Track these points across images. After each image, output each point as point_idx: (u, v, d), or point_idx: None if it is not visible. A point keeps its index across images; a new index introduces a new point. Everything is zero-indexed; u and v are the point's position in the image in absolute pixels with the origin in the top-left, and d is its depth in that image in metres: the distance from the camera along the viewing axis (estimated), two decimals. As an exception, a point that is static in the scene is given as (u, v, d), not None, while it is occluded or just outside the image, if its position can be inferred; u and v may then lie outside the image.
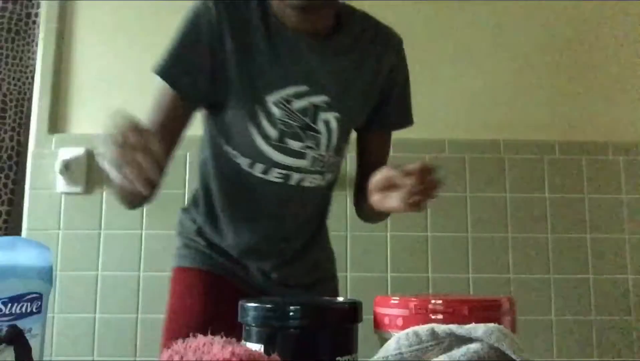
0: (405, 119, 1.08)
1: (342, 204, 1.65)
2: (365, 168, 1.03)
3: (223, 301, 1.00)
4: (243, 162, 0.98)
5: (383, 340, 0.55)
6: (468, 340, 0.47)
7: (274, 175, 0.98)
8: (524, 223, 1.62)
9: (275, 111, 0.94)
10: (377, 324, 0.59)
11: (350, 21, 0.98)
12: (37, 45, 1.67)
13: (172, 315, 1.05)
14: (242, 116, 0.95)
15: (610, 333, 1.59)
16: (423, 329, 0.49)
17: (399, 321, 0.56)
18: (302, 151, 0.97)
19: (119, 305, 1.55)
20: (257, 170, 0.98)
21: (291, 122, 0.94)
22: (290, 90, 0.93)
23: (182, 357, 0.40)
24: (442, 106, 1.68)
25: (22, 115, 1.65)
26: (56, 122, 1.64)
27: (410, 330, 0.50)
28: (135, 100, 1.66)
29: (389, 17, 1.78)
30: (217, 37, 0.92)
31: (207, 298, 1.03)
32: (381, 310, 0.58)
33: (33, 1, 1.69)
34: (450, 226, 1.62)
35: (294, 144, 0.96)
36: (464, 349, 0.47)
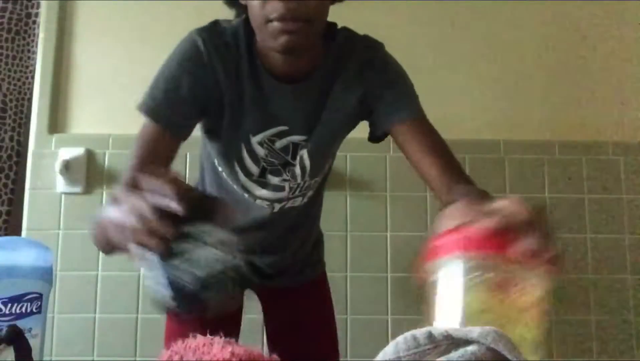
0: (409, 111, 0.99)
1: (342, 204, 1.65)
2: (426, 174, 0.95)
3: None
4: (234, 186, 1.04)
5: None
6: (465, 342, 0.48)
7: (258, 202, 1.05)
8: (524, 223, 1.62)
9: (260, 150, 0.98)
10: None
11: (329, 54, 0.96)
12: (37, 45, 1.67)
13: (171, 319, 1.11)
14: (228, 150, 0.99)
15: (610, 333, 1.59)
16: (421, 332, 0.49)
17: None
18: (281, 184, 1.03)
19: (119, 305, 1.55)
20: (245, 196, 1.05)
21: (273, 160, 0.99)
22: (274, 130, 0.97)
23: (181, 357, 0.40)
24: (442, 106, 1.68)
25: (22, 115, 1.65)
26: (56, 122, 1.64)
27: (408, 333, 0.50)
28: (135, 100, 1.66)
29: (388, 19, 1.78)
30: (209, 78, 0.92)
31: None
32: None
33: (33, 1, 1.69)
34: (450, 226, 1.62)
35: (274, 179, 1.02)
36: (461, 351, 0.47)
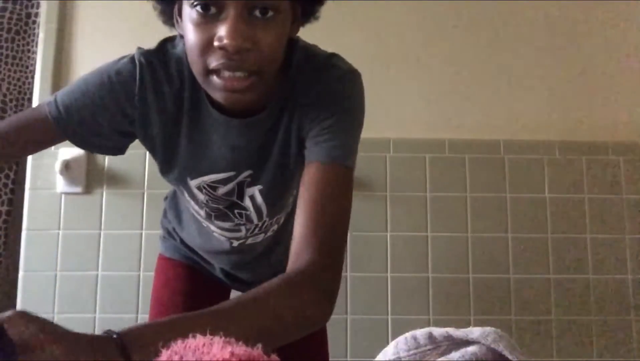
0: (315, 154, 0.78)
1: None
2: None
3: (198, 292, 1.09)
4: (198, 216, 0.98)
5: None
6: (465, 342, 0.47)
7: (218, 235, 0.98)
8: (525, 223, 1.62)
9: (199, 195, 0.87)
10: None
11: (283, 86, 0.80)
12: (37, 45, 1.67)
13: (155, 305, 1.10)
14: (175, 185, 0.90)
15: (610, 333, 1.59)
16: (421, 332, 0.49)
17: None
18: (234, 228, 0.93)
19: (119, 305, 1.55)
20: (204, 225, 0.98)
21: (217, 205, 0.88)
22: (216, 177, 0.84)
23: (181, 357, 0.40)
24: (442, 106, 1.69)
25: (22, 115, 1.65)
26: (56, 122, 1.64)
27: (408, 334, 0.50)
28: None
29: (385, 18, 1.79)
30: (138, 110, 0.80)
31: (185, 288, 1.08)
32: None
33: (33, 1, 1.69)
34: (450, 226, 1.62)
35: (224, 225, 0.93)
36: (461, 351, 0.47)
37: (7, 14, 1.65)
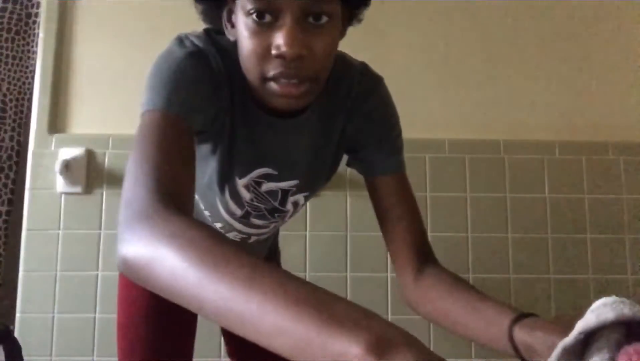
0: (391, 165, 0.88)
1: (342, 205, 1.65)
2: (393, 229, 0.88)
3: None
4: (204, 211, 0.93)
5: None
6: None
7: (233, 235, 0.95)
8: (524, 223, 1.62)
9: (245, 194, 0.85)
10: None
11: (330, 86, 0.81)
12: (37, 45, 1.67)
13: (126, 309, 1.06)
14: (212, 183, 0.85)
15: (610, 333, 1.59)
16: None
17: None
18: (266, 225, 0.93)
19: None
20: (217, 225, 0.94)
21: (259, 204, 0.88)
22: (261, 171, 0.83)
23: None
24: (442, 106, 1.69)
25: (22, 115, 1.65)
26: (56, 122, 1.64)
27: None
28: (135, 100, 1.66)
29: (384, 18, 1.79)
30: (221, 98, 0.76)
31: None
32: None
33: (33, 1, 1.69)
34: (450, 226, 1.62)
35: (258, 222, 0.92)
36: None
37: (7, 14, 1.65)
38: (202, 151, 0.81)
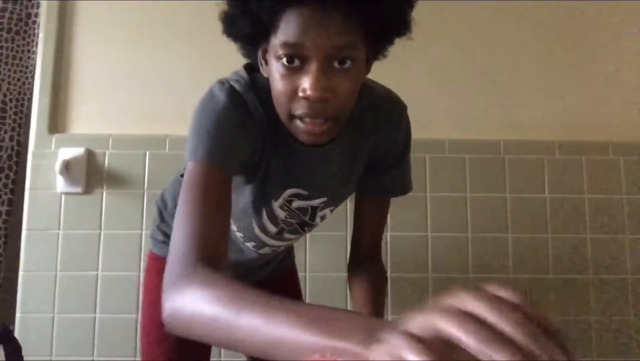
0: (399, 186, 1.04)
1: (342, 205, 1.65)
2: (360, 232, 1.07)
3: None
4: (237, 233, 1.02)
5: None
6: None
7: (264, 250, 1.05)
8: (524, 223, 1.62)
9: (280, 213, 0.95)
10: None
11: (352, 116, 0.87)
12: (37, 45, 1.67)
13: (149, 307, 1.13)
14: (247, 208, 0.94)
15: (610, 333, 1.59)
16: None
17: None
18: (297, 237, 1.05)
19: (119, 305, 1.55)
20: (250, 244, 1.03)
21: (291, 220, 0.97)
22: (292, 191, 0.93)
23: None
24: (442, 106, 1.69)
25: (22, 115, 1.65)
26: (56, 122, 1.64)
27: None
28: (135, 100, 1.66)
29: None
30: (259, 136, 0.85)
31: None
32: None
33: (33, 1, 1.69)
34: (450, 226, 1.62)
35: (290, 236, 1.02)
36: None
37: (7, 14, 1.65)
38: (238, 180, 0.89)
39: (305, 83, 0.73)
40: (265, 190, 0.91)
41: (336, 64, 0.74)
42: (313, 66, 0.73)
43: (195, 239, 0.69)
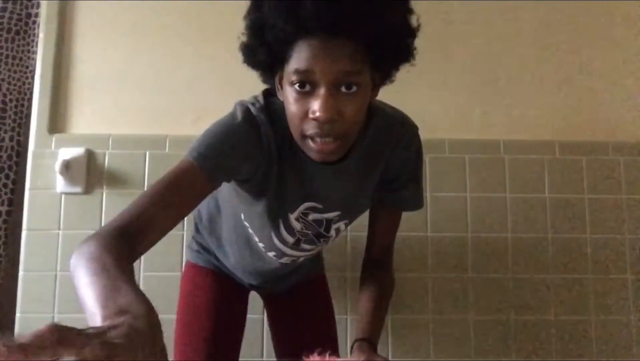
0: (414, 202, 1.11)
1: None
2: (372, 239, 1.15)
3: (224, 294, 1.23)
4: (259, 243, 1.09)
5: None
6: None
7: (284, 259, 1.12)
8: (524, 223, 1.62)
9: (296, 225, 1.02)
10: None
11: (366, 135, 0.98)
12: (37, 45, 1.67)
13: (186, 310, 1.22)
14: (265, 221, 1.02)
15: (610, 333, 1.59)
16: None
17: None
18: (314, 248, 1.10)
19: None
20: (271, 253, 1.10)
21: (307, 231, 1.04)
22: (308, 204, 1.01)
23: None
24: (442, 106, 1.69)
25: (22, 115, 1.65)
26: (56, 122, 1.64)
27: None
28: (135, 100, 1.66)
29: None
30: (267, 156, 0.93)
31: (214, 293, 1.22)
32: None
33: (33, 1, 1.69)
34: (450, 226, 1.62)
35: (307, 246, 1.08)
36: None
37: (7, 14, 1.65)
38: (255, 196, 0.98)
39: (315, 106, 0.81)
40: (281, 203, 0.99)
41: (343, 89, 0.82)
42: (322, 90, 0.81)
43: (129, 214, 0.78)
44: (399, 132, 1.02)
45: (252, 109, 0.92)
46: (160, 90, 1.66)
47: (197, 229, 1.29)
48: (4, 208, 1.57)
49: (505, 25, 1.73)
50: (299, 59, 0.81)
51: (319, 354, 0.86)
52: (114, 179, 1.60)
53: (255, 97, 0.95)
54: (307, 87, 0.82)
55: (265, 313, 1.33)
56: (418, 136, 1.06)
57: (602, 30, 1.74)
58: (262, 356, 1.52)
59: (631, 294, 1.61)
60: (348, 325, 1.54)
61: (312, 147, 0.85)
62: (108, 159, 1.61)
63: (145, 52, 1.68)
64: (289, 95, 0.85)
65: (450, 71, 1.70)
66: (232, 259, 1.20)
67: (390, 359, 1.54)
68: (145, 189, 0.78)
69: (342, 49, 0.80)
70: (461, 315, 1.58)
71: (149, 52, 1.68)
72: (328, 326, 1.29)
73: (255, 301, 1.38)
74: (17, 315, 1.53)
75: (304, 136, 0.85)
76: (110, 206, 1.59)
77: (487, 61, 1.71)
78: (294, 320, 1.28)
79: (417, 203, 1.11)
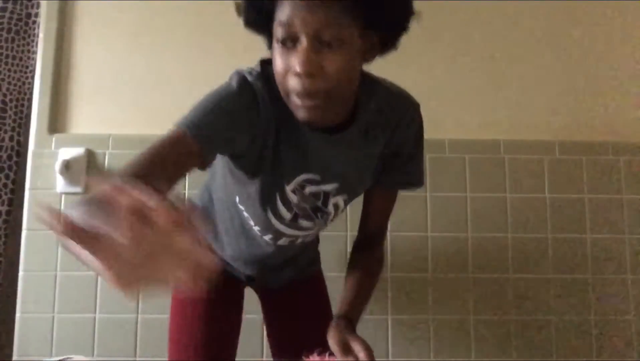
0: (414, 180, 1.08)
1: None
2: (366, 219, 1.12)
3: (223, 291, 1.18)
4: (254, 227, 1.06)
5: None
6: None
7: (281, 242, 1.08)
8: (524, 223, 1.62)
9: (292, 197, 0.99)
10: None
11: (368, 107, 0.96)
12: (37, 45, 1.67)
13: (178, 308, 1.19)
14: (261, 197, 0.98)
15: (610, 333, 1.59)
16: None
17: None
18: (312, 226, 1.06)
19: (119, 305, 1.55)
20: (267, 236, 1.07)
21: (305, 205, 1.01)
22: (305, 176, 0.97)
23: None
24: (442, 106, 1.68)
25: (22, 115, 1.65)
26: (56, 122, 1.64)
27: None
28: (135, 100, 1.66)
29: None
30: (264, 124, 0.90)
31: (208, 295, 1.16)
32: None
33: (33, 1, 1.69)
34: (450, 226, 1.62)
35: (305, 223, 1.04)
36: None
37: (7, 14, 1.65)
38: (251, 173, 0.95)
39: (295, 60, 0.80)
40: (277, 175, 0.96)
41: (325, 44, 0.80)
42: (302, 45, 0.80)
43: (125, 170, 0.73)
44: (402, 107, 1.00)
45: (249, 77, 0.90)
46: (160, 90, 1.66)
47: None
48: (4, 208, 1.57)
49: (506, 26, 1.73)
50: (281, 12, 0.81)
51: (319, 354, 0.86)
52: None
53: (253, 67, 0.93)
54: (289, 44, 0.81)
55: (262, 311, 1.31)
56: (420, 113, 1.04)
57: (603, 30, 1.74)
58: (262, 356, 1.52)
59: (631, 294, 1.61)
60: (348, 325, 1.54)
61: (296, 104, 0.84)
62: (108, 159, 1.61)
63: (145, 52, 1.68)
64: (275, 52, 0.84)
65: (450, 71, 1.70)
66: (228, 250, 1.16)
67: (390, 359, 1.54)
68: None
69: (323, 2, 0.79)
70: (461, 315, 1.58)
71: (149, 52, 1.68)
72: (326, 325, 1.28)
73: (255, 300, 1.38)
74: (17, 315, 1.53)
75: (288, 93, 0.84)
76: (110, 206, 1.58)
77: (487, 61, 1.71)
78: (290, 318, 1.25)
79: (416, 181, 1.08)
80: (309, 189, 0.99)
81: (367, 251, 1.12)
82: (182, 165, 0.82)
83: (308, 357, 0.86)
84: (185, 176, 0.84)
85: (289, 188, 0.98)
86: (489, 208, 1.63)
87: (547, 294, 1.60)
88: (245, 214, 1.05)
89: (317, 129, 0.92)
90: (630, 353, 1.58)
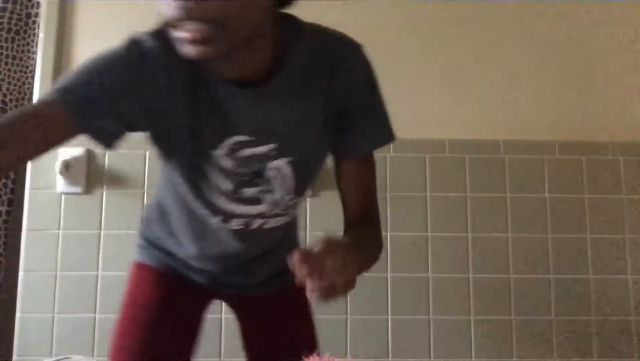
0: (380, 137, 0.90)
1: (339, 204, 1.65)
2: (344, 204, 0.96)
3: (176, 296, 1.06)
4: (202, 211, 0.93)
5: None
6: None
7: (234, 224, 0.94)
8: (524, 223, 1.62)
9: (227, 163, 0.86)
10: None
11: (295, 52, 0.81)
12: (37, 45, 1.67)
13: (125, 310, 1.11)
14: (192, 172, 0.87)
15: (610, 333, 1.59)
16: None
17: None
18: (258, 196, 0.91)
19: (119, 305, 1.54)
20: (216, 220, 0.94)
21: (242, 169, 0.87)
22: (236, 138, 0.84)
23: None
24: (442, 106, 1.69)
25: (22, 115, 1.65)
26: (56, 122, 1.64)
27: None
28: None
29: (383, 17, 1.78)
30: (164, 88, 0.79)
31: (159, 292, 1.06)
32: None
33: (33, 1, 1.69)
34: (450, 226, 1.62)
35: (249, 191, 0.90)
36: None
37: (7, 14, 1.65)
38: (172, 146, 0.85)
39: None
40: (201, 142, 0.83)
41: None
42: None
43: None
44: (336, 50, 0.84)
45: (142, 37, 0.79)
46: (160, 90, 1.66)
47: (146, 223, 1.12)
48: (4, 208, 1.57)
49: (506, 26, 1.73)
50: None
51: (319, 354, 0.86)
52: (114, 179, 1.60)
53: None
54: None
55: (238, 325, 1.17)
56: (364, 55, 0.86)
57: (603, 30, 1.74)
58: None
59: (631, 294, 1.61)
60: (348, 325, 1.54)
61: (182, 38, 0.69)
62: (108, 159, 1.61)
63: (145, 52, 1.68)
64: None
65: (450, 71, 1.70)
66: (190, 249, 1.02)
67: (390, 359, 1.54)
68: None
69: None
70: (461, 315, 1.58)
71: (149, 52, 1.68)
72: (308, 337, 1.10)
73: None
74: (17, 315, 1.53)
75: (172, 27, 0.70)
76: (110, 206, 1.59)
77: (487, 61, 1.71)
78: (267, 334, 1.09)
79: (383, 137, 0.90)
80: (244, 152, 0.85)
81: (356, 230, 0.94)
82: (45, 130, 0.74)
83: (308, 357, 0.86)
84: (58, 142, 0.76)
85: (218, 153, 0.84)
86: (489, 208, 1.63)
87: (547, 294, 1.60)
88: (191, 199, 0.92)
89: (237, 84, 0.79)
90: (630, 353, 1.58)
